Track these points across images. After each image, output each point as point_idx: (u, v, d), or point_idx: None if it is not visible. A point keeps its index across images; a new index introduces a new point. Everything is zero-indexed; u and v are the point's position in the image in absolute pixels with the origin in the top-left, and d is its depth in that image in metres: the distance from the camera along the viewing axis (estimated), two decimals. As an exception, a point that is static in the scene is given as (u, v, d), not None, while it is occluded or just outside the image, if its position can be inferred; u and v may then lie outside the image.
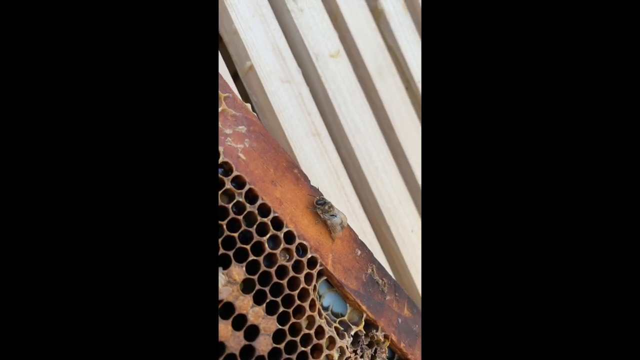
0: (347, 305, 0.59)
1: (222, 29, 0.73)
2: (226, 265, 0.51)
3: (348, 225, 0.59)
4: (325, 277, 0.58)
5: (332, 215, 0.57)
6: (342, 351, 0.57)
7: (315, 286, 0.56)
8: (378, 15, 0.86)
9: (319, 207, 0.57)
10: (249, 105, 0.56)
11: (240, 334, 0.50)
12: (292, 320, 0.54)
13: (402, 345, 0.61)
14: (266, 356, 0.52)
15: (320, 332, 0.56)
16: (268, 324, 0.52)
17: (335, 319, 0.58)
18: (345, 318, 0.59)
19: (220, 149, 0.52)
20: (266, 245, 0.53)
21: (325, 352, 0.55)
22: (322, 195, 0.58)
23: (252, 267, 0.52)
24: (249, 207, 0.53)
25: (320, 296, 0.58)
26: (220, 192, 0.51)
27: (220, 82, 0.54)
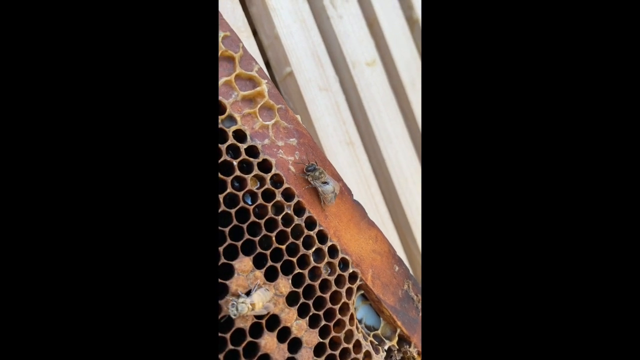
0: (381, 319, 0.60)
1: (263, 33, 0.73)
2: (274, 277, 0.51)
3: (388, 241, 0.59)
4: (362, 291, 0.58)
5: (324, 182, 0.53)
6: (376, 365, 0.57)
7: (354, 300, 0.57)
8: (412, 24, 0.86)
9: (310, 173, 0.53)
10: (299, 117, 0.56)
11: (285, 346, 0.51)
12: (332, 333, 0.54)
13: (431, 360, 0.62)
14: (306, 369, 0.52)
15: (357, 345, 0.56)
16: (310, 337, 0.53)
17: (368, 332, 0.59)
18: (379, 332, 0.60)
19: (272, 160, 0.52)
20: (311, 258, 0.53)
21: (362, 366, 0.56)
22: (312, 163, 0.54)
23: (297, 280, 0.53)
24: (296, 220, 0.53)
25: (355, 309, 0.58)
26: (270, 204, 0.51)
27: (273, 92, 0.54)
